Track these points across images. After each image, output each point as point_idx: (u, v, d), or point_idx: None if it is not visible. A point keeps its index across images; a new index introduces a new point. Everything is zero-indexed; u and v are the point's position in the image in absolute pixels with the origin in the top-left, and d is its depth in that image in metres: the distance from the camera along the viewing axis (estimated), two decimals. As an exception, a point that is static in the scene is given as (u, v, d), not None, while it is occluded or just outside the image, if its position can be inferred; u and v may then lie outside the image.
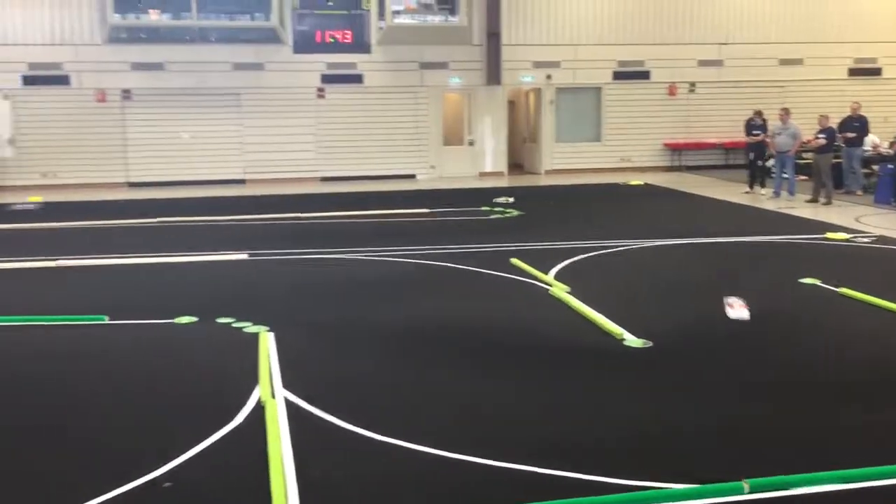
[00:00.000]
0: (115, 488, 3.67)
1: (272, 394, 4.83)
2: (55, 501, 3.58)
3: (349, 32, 18.38)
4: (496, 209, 13.09)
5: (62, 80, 17.79)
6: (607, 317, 6.33)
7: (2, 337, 6.28)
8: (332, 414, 4.54)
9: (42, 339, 6.23)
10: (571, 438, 4.26)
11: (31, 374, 5.40)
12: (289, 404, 4.69)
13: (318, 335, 6.21)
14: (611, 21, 19.50)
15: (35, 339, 6.23)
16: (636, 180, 17.21)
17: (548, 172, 19.70)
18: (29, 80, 17.67)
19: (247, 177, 18.63)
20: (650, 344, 5.73)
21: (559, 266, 8.34)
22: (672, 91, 19.71)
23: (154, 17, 17.50)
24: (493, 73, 19.03)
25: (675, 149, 19.93)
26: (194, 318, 6.60)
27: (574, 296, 7.03)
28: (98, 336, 6.28)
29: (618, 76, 19.72)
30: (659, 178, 17.91)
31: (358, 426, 4.36)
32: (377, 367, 5.51)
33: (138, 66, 17.96)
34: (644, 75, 19.76)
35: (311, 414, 4.57)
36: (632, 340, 5.81)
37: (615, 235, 10.13)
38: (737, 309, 6.16)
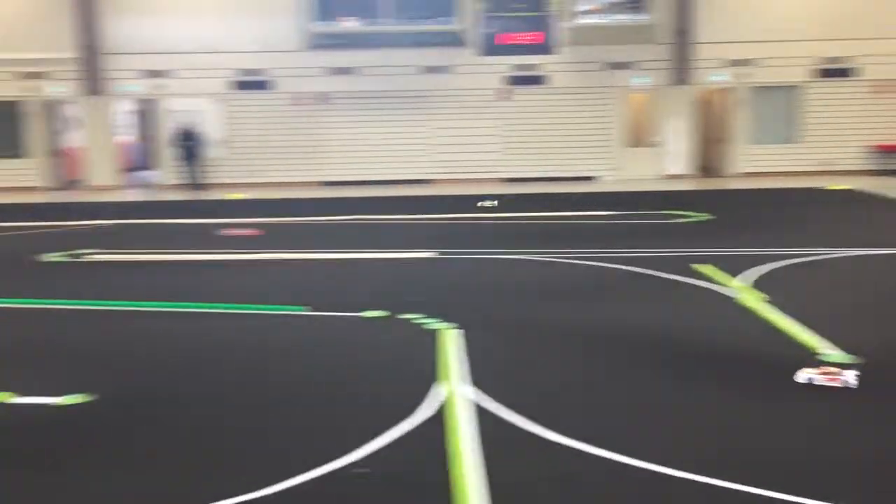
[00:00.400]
0: (303, 473, 3.86)
1: (456, 391, 4.92)
2: (251, 482, 3.80)
3: (535, 34, 18.40)
4: (676, 214, 12.67)
5: (264, 85, 19.00)
6: (806, 328, 5.97)
7: (211, 322, 6.77)
8: (518, 413, 4.55)
9: (251, 326, 6.68)
10: (783, 456, 4.05)
11: (236, 356, 5.79)
12: (472, 402, 4.76)
13: (503, 334, 6.26)
14: (811, 15, 18.36)
15: (244, 325, 6.69)
16: (839, 185, 16.11)
17: (739, 175, 18.86)
18: (237, 85, 19.01)
19: (433, 177, 19.11)
20: (854, 359, 5.34)
21: (747, 273, 7.95)
22: (880, 89, 18.27)
23: (349, 24, 18.32)
24: (681, 72, 18.50)
25: (888, 151, 18.42)
26: (382, 313, 6.85)
27: (768, 305, 6.68)
28: (295, 325, 6.65)
29: (820, 73, 18.55)
30: (865, 182, 16.66)
31: (543, 427, 4.35)
32: (562, 369, 5.48)
33: (334, 71, 18.87)
34: (848, 72, 18.46)
35: (495, 413, 4.61)
36: (833, 355, 5.44)
37: (812, 243, 9.53)
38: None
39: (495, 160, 19.14)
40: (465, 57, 18.67)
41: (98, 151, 19.19)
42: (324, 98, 18.98)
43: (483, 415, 4.56)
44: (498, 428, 4.40)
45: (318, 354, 5.86)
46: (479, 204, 13.89)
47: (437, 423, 4.44)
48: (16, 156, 18.89)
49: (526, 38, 18.25)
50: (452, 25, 18.32)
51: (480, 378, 5.16)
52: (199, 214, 13.95)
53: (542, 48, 18.37)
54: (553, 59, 18.67)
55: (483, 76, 18.87)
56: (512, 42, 18.24)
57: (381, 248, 10.10)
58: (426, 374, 5.25)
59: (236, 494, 3.63)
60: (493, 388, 4.95)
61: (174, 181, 18.94)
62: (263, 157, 19.01)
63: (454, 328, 6.29)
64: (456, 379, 5.13)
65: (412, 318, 6.64)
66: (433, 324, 6.46)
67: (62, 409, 4.78)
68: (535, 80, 18.96)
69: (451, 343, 5.91)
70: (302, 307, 7.06)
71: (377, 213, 13.60)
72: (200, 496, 3.64)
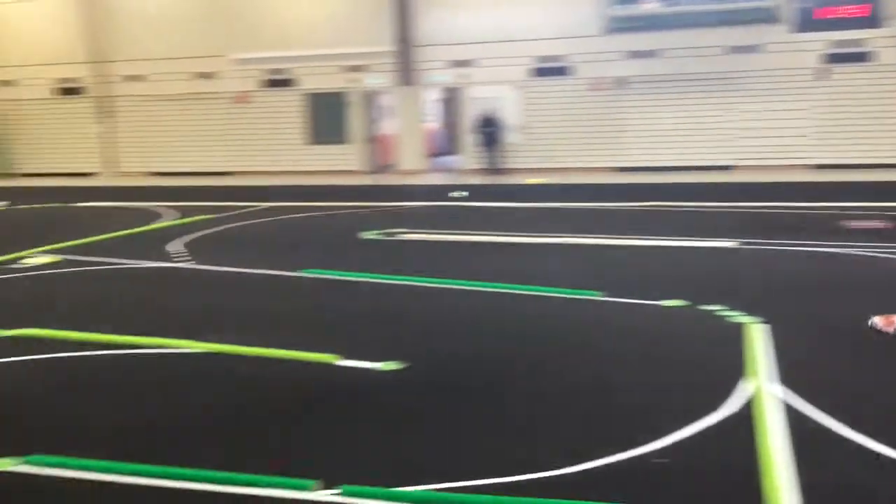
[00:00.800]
0: (605, 456, 3.89)
1: (764, 388, 4.69)
2: (548, 461, 3.91)
3: (860, 6, 16.78)
4: None
5: (563, 71, 19.21)
6: None
7: (509, 302, 7.03)
8: (830, 415, 4.24)
9: (547, 308, 6.84)
10: None
11: (533, 337, 5.97)
12: (781, 401, 4.50)
13: (811, 330, 5.85)
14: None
15: (540, 307, 6.87)
16: None
17: None
18: (536, 73, 19.41)
19: (735, 163, 18.21)
20: None
21: None
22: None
23: (650, 6, 17.93)
24: None
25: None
26: (682, 302, 6.68)
27: None
28: (592, 310, 6.70)
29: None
30: None
31: (856, 431, 4.02)
32: (876, 370, 5.01)
33: (633, 55, 18.60)
34: None
35: (807, 413, 4.32)
36: None
37: None
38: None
39: (806, 145, 17.78)
40: (777, 34, 17.49)
41: (408, 138, 20.60)
42: (622, 83, 18.79)
43: (792, 414, 4.30)
44: (808, 429, 4.12)
45: (615, 341, 5.86)
46: (450, 194, 13.11)
47: (745, 420, 4.26)
48: (340, 142, 20.85)
49: (850, 10, 16.68)
50: (765, 2, 17.23)
51: (789, 375, 4.86)
52: (497, 198, 14.49)
53: (869, 21, 16.69)
54: (881, 33, 16.89)
55: (797, 54, 17.58)
56: (833, 16, 16.77)
57: (680, 235, 9.83)
58: (731, 368, 5.04)
59: (537, 470, 3.76)
60: (802, 387, 4.65)
61: (475, 166, 19.82)
62: (560, 142, 19.27)
63: (760, 322, 5.98)
64: (763, 375, 4.88)
65: (715, 310, 6.41)
66: (737, 317, 6.18)
67: (380, 374, 5.23)
68: (858, 58, 17.30)
69: (757, 337, 5.63)
70: (597, 292, 7.09)
71: (675, 199, 13.25)
72: (504, 465, 3.81)
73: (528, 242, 9.88)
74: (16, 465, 3.99)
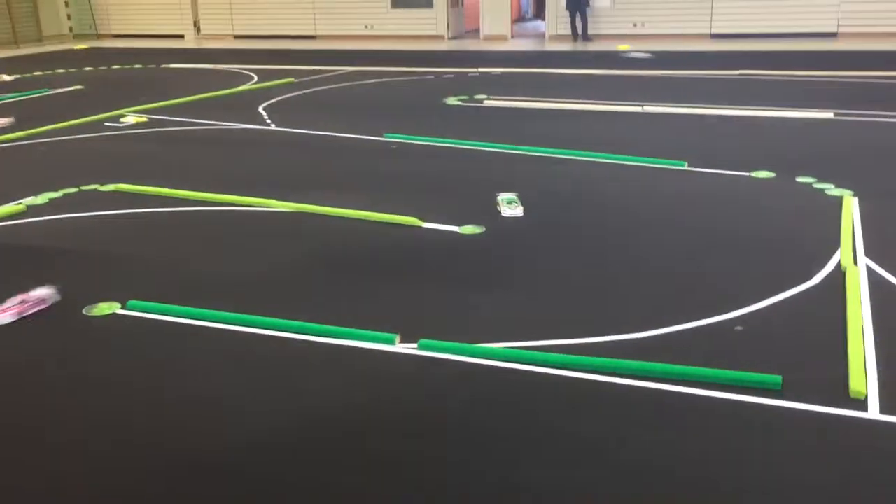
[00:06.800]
0: (685, 322, 3.92)
1: (854, 260, 4.58)
2: (632, 325, 3.95)
3: None
4: None
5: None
6: None
7: (589, 170, 6.95)
8: (921, 292, 4.15)
9: (629, 176, 6.75)
10: None
11: (616, 205, 5.92)
12: (871, 273, 4.41)
13: (909, 207, 5.64)
14: None
15: (623, 175, 6.78)
16: None
17: None
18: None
19: (839, 30, 17.14)
20: None
21: None
22: None
23: None
24: None
25: None
26: (772, 174, 6.49)
27: None
28: (676, 180, 6.58)
29: None
30: None
31: (951, 310, 3.93)
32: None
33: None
34: None
35: (895, 286, 4.23)
36: None
37: None
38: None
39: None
40: None
41: (492, 2, 19.98)
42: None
43: (880, 287, 4.22)
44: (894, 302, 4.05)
45: (699, 211, 5.77)
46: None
47: (831, 292, 4.20)
48: (425, 6, 20.38)
49: None
50: None
51: (878, 248, 4.74)
52: (583, 65, 14.08)
53: None
54: None
55: None
56: None
57: (773, 105, 9.44)
58: (820, 241, 4.94)
59: (616, 333, 3.82)
60: (891, 261, 4.53)
61: (561, 32, 19.20)
62: (648, 8, 18.41)
63: (851, 195, 5.79)
64: (852, 248, 4.77)
65: (805, 182, 6.21)
66: (829, 189, 5.99)
67: (462, 237, 5.31)
68: None
69: (848, 210, 5.46)
70: (682, 162, 6.94)
71: (770, 68, 12.63)
72: (582, 327, 3.88)
73: (613, 110, 9.64)
74: (116, 309, 4.26)
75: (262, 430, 3.13)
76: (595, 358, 3.53)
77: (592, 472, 2.79)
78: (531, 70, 13.74)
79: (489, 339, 3.76)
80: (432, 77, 13.13)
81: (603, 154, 7.32)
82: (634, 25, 18.54)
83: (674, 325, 3.88)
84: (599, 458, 2.88)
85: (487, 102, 10.42)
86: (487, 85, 11.97)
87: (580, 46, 17.80)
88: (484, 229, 5.39)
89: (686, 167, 6.86)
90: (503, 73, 13.56)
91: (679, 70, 12.91)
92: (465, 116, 9.64)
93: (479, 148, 7.83)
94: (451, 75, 13.29)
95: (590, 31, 18.66)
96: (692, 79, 12.15)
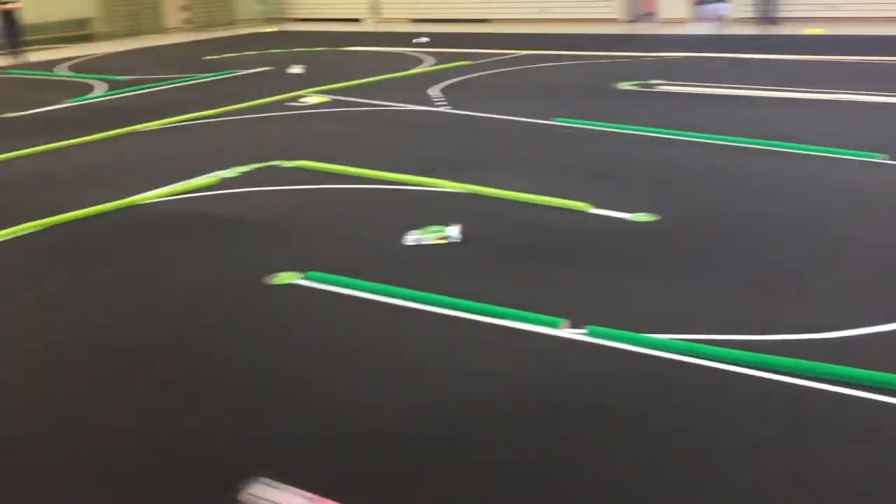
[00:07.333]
0: (872, 325, 3.67)
1: None
2: (805, 325, 3.75)
3: None
4: None
5: None
6: None
7: (778, 160, 6.61)
8: None
9: (819, 168, 6.38)
10: None
11: (799, 195, 5.62)
12: None
13: None
14: None
15: (812, 167, 6.42)
16: None
17: None
18: None
19: None
20: None
21: None
22: None
23: None
24: None
25: None
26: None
27: None
28: (871, 173, 6.15)
29: None
30: None
31: None
32: None
33: None
34: None
35: None
36: None
37: None
38: None
39: None
40: None
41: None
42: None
43: None
44: None
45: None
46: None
47: None
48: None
49: None
50: None
51: None
52: (768, 50, 13.37)
53: None
54: None
55: None
56: None
57: None
58: None
59: (791, 332, 3.65)
60: None
61: (745, 14, 18.30)
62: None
63: None
64: None
65: None
66: None
67: (632, 224, 5.21)
68: None
69: None
70: (878, 154, 6.48)
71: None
72: (752, 323, 3.72)
73: (800, 98, 9.11)
74: (298, 279, 4.50)
75: (431, 402, 3.22)
76: (778, 357, 3.37)
77: (767, 478, 2.68)
78: (710, 55, 13.20)
79: (658, 330, 3.68)
80: (606, 61, 12.89)
81: (787, 143, 6.94)
82: (828, 6, 17.38)
83: (860, 326, 3.65)
84: (777, 461, 2.76)
85: (662, 88, 10.12)
86: (663, 69, 11.61)
87: (765, 30, 16.91)
88: (657, 217, 5.26)
89: (882, 159, 6.39)
90: (680, 57, 13.11)
91: (875, 56, 11.99)
92: (639, 102, 9.41)
93: (652, 134, 7.63)
94: (626, 59, 12.99)
95: (776, 13, 17.68)
96: (889, 65, 11.27)
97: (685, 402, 3.14)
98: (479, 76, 11.74)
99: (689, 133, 7.50)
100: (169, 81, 12.02)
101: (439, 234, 5.00)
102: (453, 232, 5.05)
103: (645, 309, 3.97)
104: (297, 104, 9.88)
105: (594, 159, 6.93)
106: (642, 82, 10.49)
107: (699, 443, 2.88)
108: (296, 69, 12.93)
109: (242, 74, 12.81)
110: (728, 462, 2.76)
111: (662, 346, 3.54)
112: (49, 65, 14.69)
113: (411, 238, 4.98)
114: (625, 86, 10.32)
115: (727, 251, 4.72)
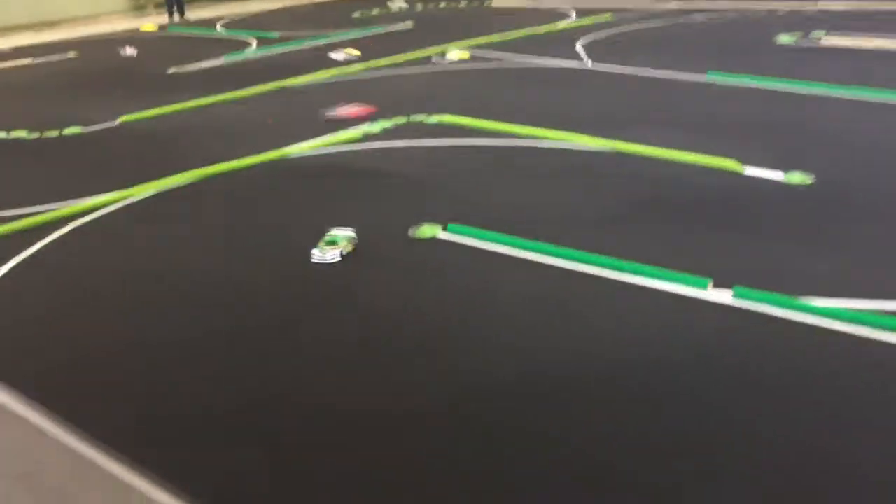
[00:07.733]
0: None
1: None
2: None
3: None
4: None
5: None
6: None
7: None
8: None
9: None
10: None
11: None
12: None
13: None
14: None
15: None
16: None
17: None
18: None
19: None
20: None
21: None
22: None
23: None
24: None
25: None
26: None
27: None
28: None
29: None
30: None
31: None
32: None
33: None
34: None
35: None
36: None
37: None
38: None
39: None
40: None
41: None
42: None
43: None
44: None
45: None
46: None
47: None
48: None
49: None
50: None
51: None
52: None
53: None
54: None
55: None
56: None
57: None
58: None
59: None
60: None
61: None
62: None
63: None
64: None
65: None
66: None
67: (786, 185, 4.95)
68: None
69: None
70: None
71: None
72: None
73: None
74: (439, 232, 4.55)
75: (573, 362, 3.20)
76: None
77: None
78: (882, 5, 12.24)
79: (808, 295, 3.49)
80: (764, 13, 12.19)
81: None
82: None
83: None
84: (938, 438, 2.58)
85: (825, 41, 9.48)
86: (826, 21, 10.87)
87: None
88: (814, 179, 4.97)
89: None
90: (846, 8, 12.23)
91: None
92: (799, 56, 8.86)
93: (812, 91, 7.18)
94: (785, 11, 12.24)
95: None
96: None
97: (828, 369, 2.99)
98: (625, 30, 11.38)
99: (853, 88, 7.01)
100: (316, 37, 12.31)
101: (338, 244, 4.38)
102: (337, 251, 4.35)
103: (793, 273, 3.78)
104: (440, 60, 9.90)
105: (748, 117, 6.60)
106: (803, 35, 9.87)
107: (848, 412, 2.73)
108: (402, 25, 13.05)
109: (386, 31, 12.96)
110: (872, 438, 2.60)
111: (810, 310, 3.37)
112: (208, 23, 15.36)
113: (316, 257, 4.31)
114: (784, 39, 9.75)
115: (886, 216, 4.41)
